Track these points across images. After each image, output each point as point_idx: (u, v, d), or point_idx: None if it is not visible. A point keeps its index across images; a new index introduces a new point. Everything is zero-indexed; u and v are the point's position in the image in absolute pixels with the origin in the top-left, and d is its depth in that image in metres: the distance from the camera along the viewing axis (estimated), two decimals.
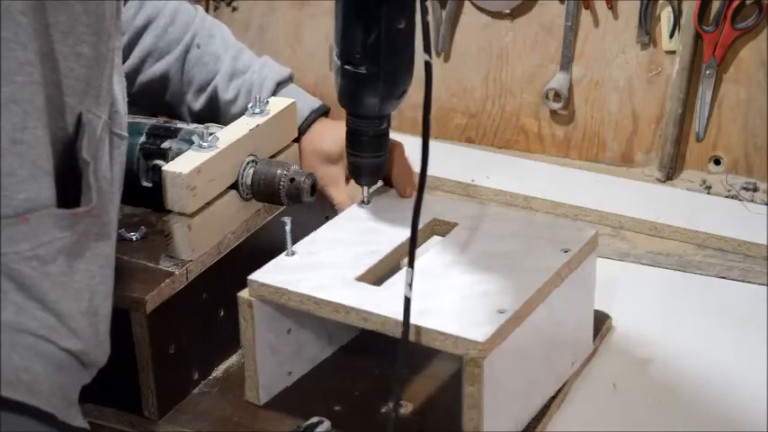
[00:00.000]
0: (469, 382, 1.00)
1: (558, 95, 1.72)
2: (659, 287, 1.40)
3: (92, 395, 1.15)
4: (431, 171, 1.69)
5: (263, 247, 1.16)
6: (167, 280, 1.12)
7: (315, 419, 1.11)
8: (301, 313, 1.10)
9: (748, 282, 1.40)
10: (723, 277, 1.41)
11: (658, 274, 1.43)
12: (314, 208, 1.25)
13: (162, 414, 1.15)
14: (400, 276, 1.10)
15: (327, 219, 1.26)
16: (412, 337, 1.02)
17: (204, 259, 1.17)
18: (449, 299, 1.05)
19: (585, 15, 1.69)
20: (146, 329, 1.11)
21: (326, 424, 1.10)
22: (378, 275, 1.12)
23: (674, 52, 1.63)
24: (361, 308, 1.05)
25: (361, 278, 1.10)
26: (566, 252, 1.12)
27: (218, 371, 1.22)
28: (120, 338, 1.11)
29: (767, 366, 1.20)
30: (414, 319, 1.01)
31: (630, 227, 1.53)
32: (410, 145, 1.81)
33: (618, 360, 1.23)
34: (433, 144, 1.80)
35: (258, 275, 1.11)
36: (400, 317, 1.02)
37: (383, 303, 1.05)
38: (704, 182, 1.63)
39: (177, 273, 1.13)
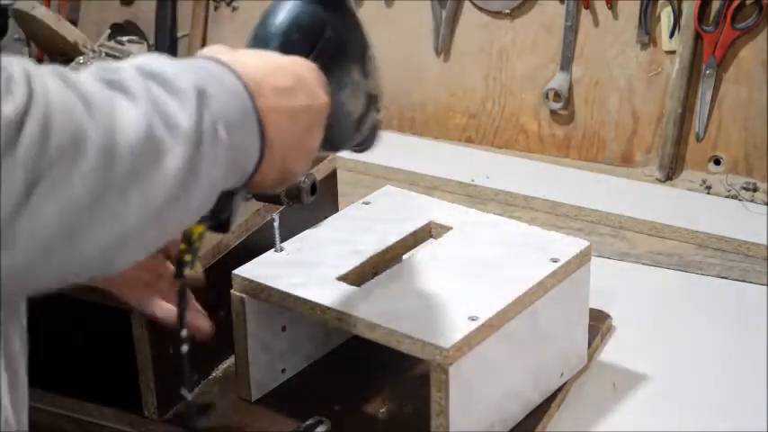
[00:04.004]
0: (436, 388, 1.00)
1: (558, 95, 1.72)
2: (659, 287, 1.40)
3: (92, 395, 1.15)
4: (431, 171, 1.71)
5: (263, 247, 1.16)
6: None
7: (315, 419, 1.11)
8: (295, 311, 1.10)
9: (748, 282, 1.40)
10: (723, 277, 1.41)
11: (658, 274, 1.43)
12: (314, 208, 1.25)
13: (162, 414, 1.15)
14: (381, 278, 1.10)
15: (325, 218, 1.26)
16: (382, 339, 1.02)
17: (203, 259, 1.17)
18: (422, 302, 1.05)
19: (585, 15, 1.69)
20: (146, 329, 1.11)
21: (326, 424, 1.10)
22: (360, 276, 1.12)
23: (674, 52, 1.63)
24: (336, 307, 1.05)
25: (342, 278, 1.10)
26: (554, 262, 1.11)
27: (218, 371, 1.21)
28: (120, 338, 1.12)
29: (767, 366, 1.20)
30: (384, 321, 1.02)
31: (630, 227, 1.53)
32: (410, 145, 1.82)
33: (618, 360, 1.23)
34: (432, 144, 1.82)
35: (242, 270, 1.12)
36: (374, 318, 1.02)
37: (359, 304, 1.05)
38: (704, 182, 1.63)
39: None
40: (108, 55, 1.69)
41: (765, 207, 1.55)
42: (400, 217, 1.21)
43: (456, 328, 1.01)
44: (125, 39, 1.75)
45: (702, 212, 1.55)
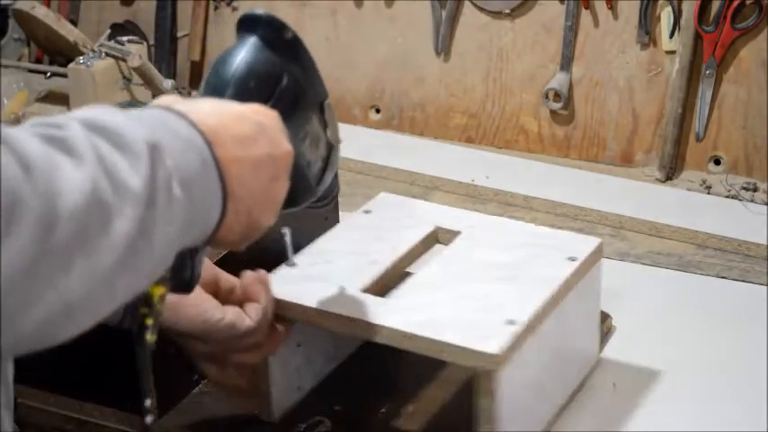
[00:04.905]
0: (483, 396, 0.98)
1: (558, 95, 1.72)
2: (659, 287, 1.40)
3: (92, 395, 1.15)
4: (431, 171, 1.71)
5: (262, 248, 1.16)
6: None
7: (315, 419, 1.11)
8: (309, 326, 1.08)
9: (748, 282, 1.40)
10: (723, 277, 1.41)
11: (658, 274, 1.43)
12: (313, 210, 1.24)
13: (162, 414, 1.15)
14: (405, 287, 1.09)
15: (326, 219, 1.25)
16: (419, 349, 1.00)
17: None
18: (456, 310, 1.03)
19: (585, 15, 1.69)
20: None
21: (326, 424, 1.10)
22: (383, 287, 1.10)
23: (674, 52, 1.63)
24: (368, 320, 1.03)
25: (366, 290, 1.08)
26: (572, 260, 1.09)
27: None
28: (119, 338, 1.11)
29: (767, 366, 1.20)
30: (421, 331, 0.99)
31: (630, 227, 1.53)
32: (410, 145, 1.82)
33: (618, 360, 1.23)
34: (432, 144, 1.82)
35: None
36: (406, 328, 1.00)
37: (389, 315, 1.03)
38: (704, 182, 1.63)
39: None
40: (108, 55, 1.69)
41: (765, 207, 1.55)
42: (405, 225, 1.19)
43: (498, 332, 0.98)
44: (125, 39, 1.75)
45: (702, 212, 1.55)
